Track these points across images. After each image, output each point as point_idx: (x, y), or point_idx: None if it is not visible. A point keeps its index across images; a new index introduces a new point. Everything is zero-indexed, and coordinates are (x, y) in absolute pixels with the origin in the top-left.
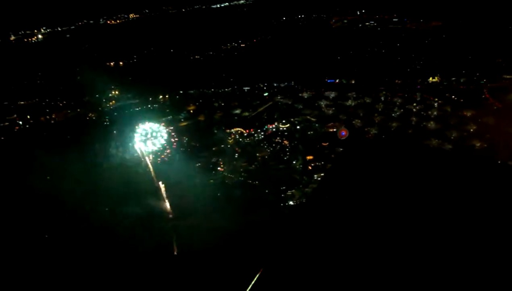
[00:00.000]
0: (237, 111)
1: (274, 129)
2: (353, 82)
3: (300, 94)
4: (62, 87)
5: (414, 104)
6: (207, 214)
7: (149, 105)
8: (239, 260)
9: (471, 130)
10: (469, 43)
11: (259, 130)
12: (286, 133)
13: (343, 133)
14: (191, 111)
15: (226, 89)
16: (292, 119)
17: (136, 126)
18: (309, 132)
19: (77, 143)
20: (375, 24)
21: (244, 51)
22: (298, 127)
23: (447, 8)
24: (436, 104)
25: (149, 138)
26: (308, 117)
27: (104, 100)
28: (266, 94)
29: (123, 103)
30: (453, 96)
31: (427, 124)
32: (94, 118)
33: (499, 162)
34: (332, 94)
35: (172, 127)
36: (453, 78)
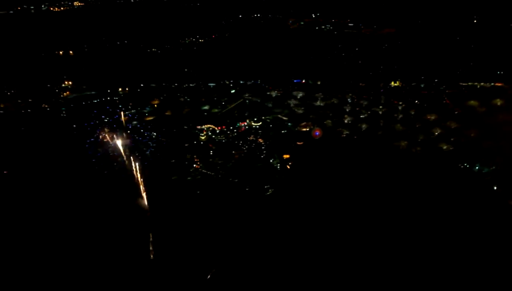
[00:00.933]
0: (206, 107)
1: (247, 127)
2: (319, 83)
3: (268, 93)
4: (10, 75)
5: (380, 107)
6: (183, 212)
7: (108, 98)
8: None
9: (436, 133)
10: (424, 51)
11: (231, 128)
12: (259, 131)
13: (317, 133)
14: (155, 105)
15: (191, 85)
16: (263, 118)
17: (98, 119)
18: (282, 131)
19: (35, 137)
20: (331, 27)
21: (203, 47)
22: (271, 125)
23: (400, 16)
24: (400, 107)
25: (114, 132)
26: (279, 116)
27: (57, 90)
28: (233, 91)
29: (79, 95)
30: (416, 101)
31: (394, 126)
32: (48, 109)
33: (464, 164)
34: (300, 94)
35: (138, 122)
36: (413, 84)
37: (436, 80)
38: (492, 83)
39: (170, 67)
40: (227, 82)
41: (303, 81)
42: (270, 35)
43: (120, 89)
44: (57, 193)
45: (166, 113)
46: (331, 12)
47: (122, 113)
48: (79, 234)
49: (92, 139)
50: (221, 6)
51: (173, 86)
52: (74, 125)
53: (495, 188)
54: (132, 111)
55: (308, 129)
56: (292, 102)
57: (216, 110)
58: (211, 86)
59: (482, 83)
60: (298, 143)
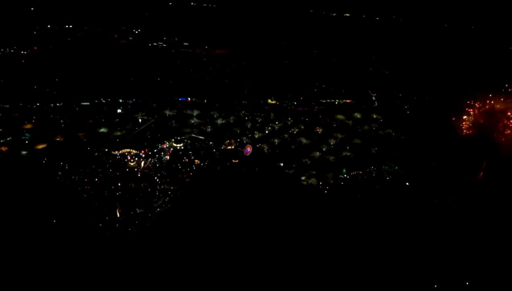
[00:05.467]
0: (103, 130)
1: (172, 149)
2: (205, 101)
3: (161, 112)
4: None
5: (276, 122)
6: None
7: None
8: None
9: (332, 143)
10: (267, 71)
11: (155, 151)
12: (190, 152)
13: (248, 150)
14: (31, 130)
15: (58, 104)
16: (179, 138)
17: None
18: (213, 151)
19: None
20: (165, 45)
21: (33, 60)
22: (195, 145)
23: (231, 38)
24: (289, 123)
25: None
26: (194, 135)
27: None
28: (119, 111)
29: None
30: (302, 117)
31: (301, 140)
32: None
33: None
34: (196, 112)
35: (28, 152)
36: (287, 101)
37: (301, 98)
38: (344, 100)
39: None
40: (103, 101)
41: (188, 99)
42: (103, 48)
43: None
44: None
45: (57, 139)
46: (147, 30)
47: None
48: None
49: None
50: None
51: (34, 106)
52: None
53: (407, 184)
54: (8, 139)
55: (233, 147)
56: (195, 120)
57: (119, 133)
58: (86, 106)
59: (337, 101)
60: (234, 161)
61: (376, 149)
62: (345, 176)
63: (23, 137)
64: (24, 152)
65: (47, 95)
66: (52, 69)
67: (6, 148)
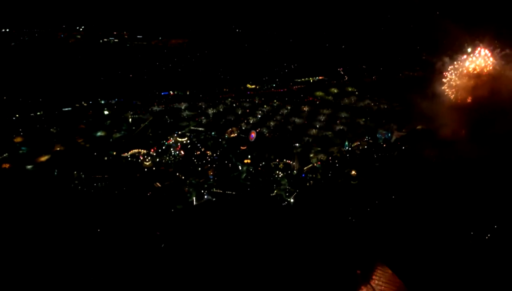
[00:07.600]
0: (101, 133)
1: (179, 144)
2: (188, 93)
3: (150, 109)
4: None
5: (265, 106)
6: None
7: None
8: None
9: (323, 119)
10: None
11: (164, 148)
12: (198, 145)
13: (253, 136)
14: (24, 143)
15: (38, 113)
16: (180, 133)
17: None
18: (219, 140)
19: None
20: (117, 40)
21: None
22: (200, 137)
23: (183, 27)
24: (275, 105)
25: None
26: (192, 128)
27: None
28: (106, 112)
29: None
30: (285, 98)
31: (295, 120)
32: None
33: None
34: (184, 105)
35: (33, 166)
36: (265, 84)
37: (277, 80)
38: (317, 77)
39: None
40: (85, 104)
41: (171, 93)
42: (54, 50)
43: None
44: None
45: (58, 149)
46: (91, 25)
47: None
48: None
49: None
50: None
51: (14, 118)
52: None
53: (404, 146)
54: (4, 155)
55: (236, 134)
56: (186, 113)
57: (118, 134)
58: (69, 111)
59: (311, 78)
60: (242, 147)
61: (363, 119)
62: (348, 148)
63: (20, 151)
64: (29, 166)
65: (21, 105)
66: (12, 76)
67: (8, 165)
